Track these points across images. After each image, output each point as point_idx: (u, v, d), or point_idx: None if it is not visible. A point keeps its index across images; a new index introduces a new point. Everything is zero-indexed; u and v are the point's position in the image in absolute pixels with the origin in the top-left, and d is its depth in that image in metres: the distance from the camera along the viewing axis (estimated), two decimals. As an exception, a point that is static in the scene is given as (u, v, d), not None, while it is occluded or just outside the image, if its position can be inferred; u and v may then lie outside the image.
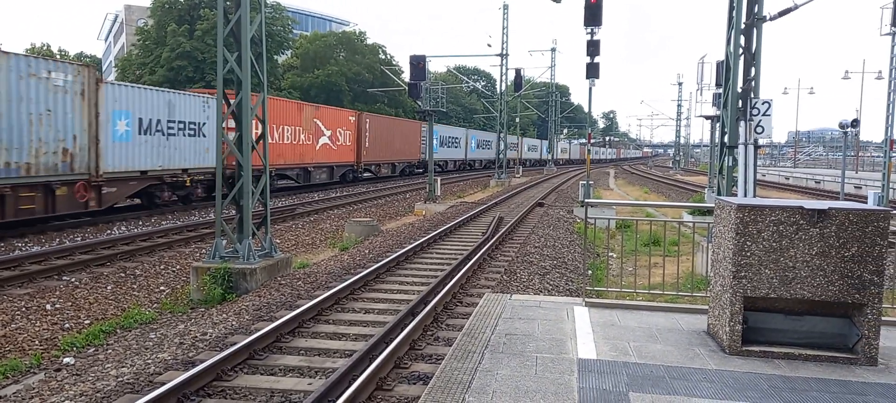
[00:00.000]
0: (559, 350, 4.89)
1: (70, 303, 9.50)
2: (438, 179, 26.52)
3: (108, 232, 15.77)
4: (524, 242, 14.92)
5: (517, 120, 63.62)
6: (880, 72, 36.30)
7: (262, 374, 6.31)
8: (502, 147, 42.96)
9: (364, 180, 37.19)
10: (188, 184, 20.19)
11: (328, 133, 30.00)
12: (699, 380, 4.30)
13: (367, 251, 13.68)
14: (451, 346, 5.48)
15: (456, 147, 51.70)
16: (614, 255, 13.73)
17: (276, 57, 50.20)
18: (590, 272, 11.38)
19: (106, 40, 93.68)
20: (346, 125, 32.47)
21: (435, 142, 46.12)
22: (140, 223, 17.45)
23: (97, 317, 9.06)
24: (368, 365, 6.07)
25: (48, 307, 9.22)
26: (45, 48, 58.53)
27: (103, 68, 78.63)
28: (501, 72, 41.42)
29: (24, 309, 9.03)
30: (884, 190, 22.31)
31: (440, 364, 4.79)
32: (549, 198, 28.32)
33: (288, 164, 26.60)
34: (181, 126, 19.60)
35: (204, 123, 20.73)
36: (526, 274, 11.50)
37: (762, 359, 4.73)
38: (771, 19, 12.03)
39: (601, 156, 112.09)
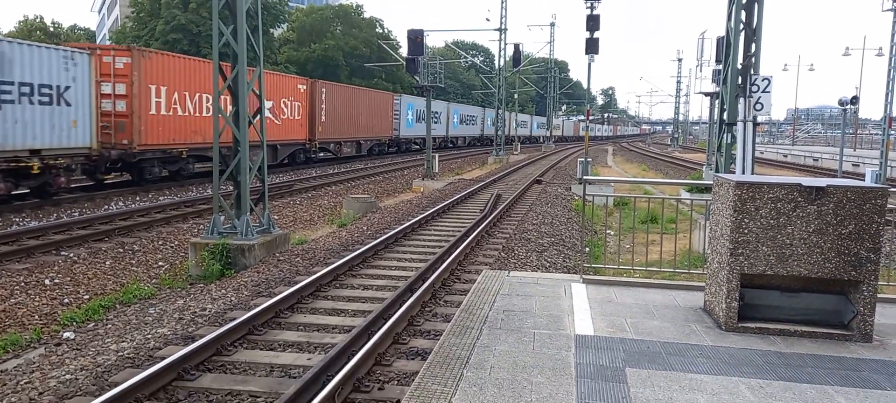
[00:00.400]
0: (557, 327, 4.92)
1: (69, 278, 9.51)
2: (436, 156, 26.46)
3: (106, 207, 15.75)
4: (522, 219, 14.94)
5: (516, 96, 63.18)
6: (881, 49, 36.11)
7: (261, 349, 6.35)
8: (501, 123, 42.81)
9: (319, 162, 31.41)
10: (37, 171, 14.53)
11: (267, 104, 23.78)
12: (695, 356, 4.34)
13: (365, 227, 13.70)
14: (449, 322, 5.51)
15: (435, 122, 46.28)
16: (612, 232, 13.78)
17: (272, 30, 49.69)
18: (587, 249, 11.42)
19: (100, 12, 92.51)
20: (294, 95, 26.93)
21: (409, 116, 41.84)
22: (137, 198, 17.42)
23: (96, 292, 9.09)
24: (367, 341, 6.11)
25: (47, 282, 9.24)
26: (38, 20, 57.80)
27: (97, 41, 77.79)
28: (500, 47, 41.10)
29: (23, 283, 9.05)
30: (881, 167, 22.34)
31: (438, 339, 4.82)
32: (548, 176, 28.31)
33: (203, 143, 20.53)
34: (26, 90, 14.02)
35: (67, 87, 15.17)
36: (524, 250, 11.53)
37: (758, 336, 4.77)
38: (773, -5, 11.90)
39: (596, 134, 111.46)
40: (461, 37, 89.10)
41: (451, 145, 51.29)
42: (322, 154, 31.74)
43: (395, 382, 5.61)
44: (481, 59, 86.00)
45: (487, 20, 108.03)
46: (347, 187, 22.25)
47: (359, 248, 10.61)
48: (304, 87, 28.18)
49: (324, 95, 29.71)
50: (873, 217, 4.58)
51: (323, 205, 17.92)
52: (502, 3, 39.97)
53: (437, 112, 46.86)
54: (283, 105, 26.08)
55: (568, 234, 13.85)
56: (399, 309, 7.11)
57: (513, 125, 63.89)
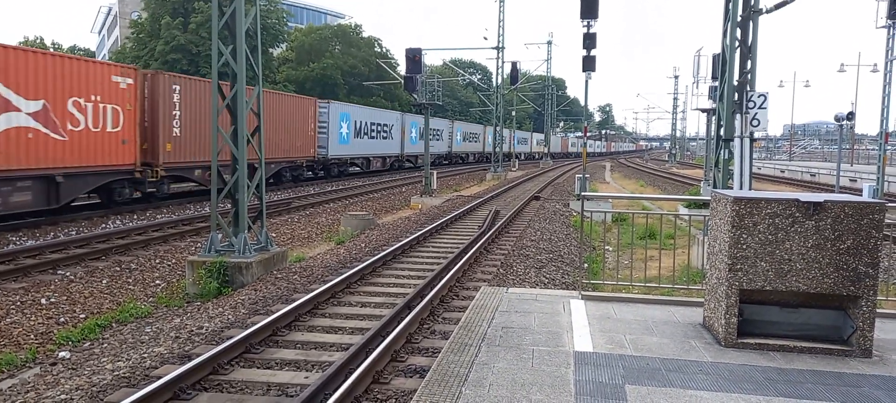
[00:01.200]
0: (556, 343, 4.90)
1: (65, 297, 9.46)
2: (434, 173, 26.51)
3: (103, 225, 15.71)
4: (520, 235, 14.92)
5: (513, 113, 63.46)
6: (875, 65, 36.37)
7: (258, 368, 6.30)
8: (498, 140, 42.96)
9: (165, 199, 19.83)
10: None
11: (33, 106, 14.20)
12: (695, 372, 4.31)
13: (363, 244, 13.67)
14: (447, 339, 5.48)
15: (386, 138, 36.61)
16: (610, 248, 13.76)
17: (271, 50, 50.01)
18: (586, 265, 11.39)
19: (100, 33, 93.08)
20: (104, 93, 16.21)
21: (345, 128, 31.80)
22: (135, 217, 17.38)
23: (92, 311, 9.03)
24: (365, 359, 6.07)
25: (43, 301, 9.18)
26: (38, 41, 58.18)
27: (97, 61, 77.94)
28: (497, 65, 41.39)
29: (18, 302, 8.99)
30: (879, 182, 22.40)
31: (437, 357, 4.79)
32: (546, 192, 28.34)
33: None
34: None
35: None
36: (522, 267, 11.51)
37: (757, 352, 4.74)
38: (767, 12, 12.02)
39: (590, 150, 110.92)
40: (459, 55, 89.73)
41: (409, 164, 40.22)
42: (176, 185, 20.98)
43: (393, 400, 5.56)
44: (479, 77, 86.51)
45: (485, 39, 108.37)
46: (346, 204, 22.25)
47: (357, 265, 10.58)
48: (130, 81, 17.10)
49: (176, 96, 18.84)
50: (871, 232, 4.58)
51: (321, 223, 17.89)
52: (500, 22, 40.33)
53: (389, 125, 37.32)
54: (73, 109, 15.27)
55: (566, 250, 13.83)
56: (397, 326, 7.07)
57: (487, 140, 54.18)
